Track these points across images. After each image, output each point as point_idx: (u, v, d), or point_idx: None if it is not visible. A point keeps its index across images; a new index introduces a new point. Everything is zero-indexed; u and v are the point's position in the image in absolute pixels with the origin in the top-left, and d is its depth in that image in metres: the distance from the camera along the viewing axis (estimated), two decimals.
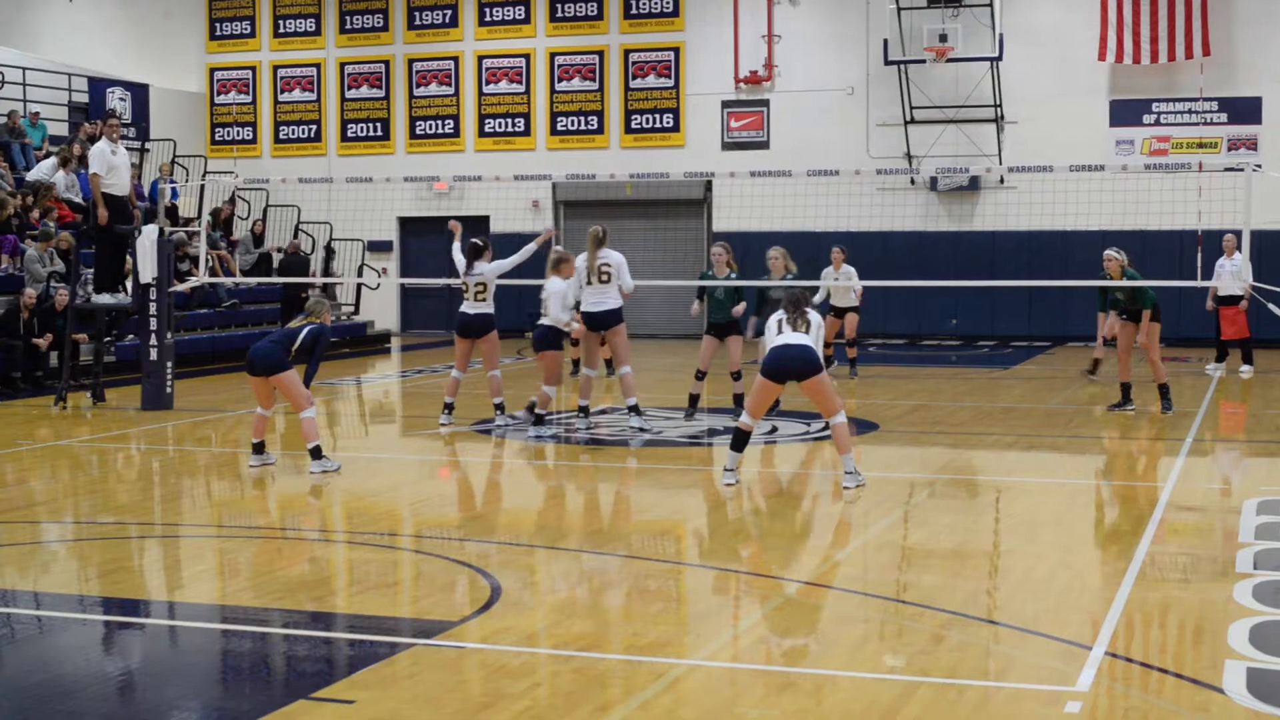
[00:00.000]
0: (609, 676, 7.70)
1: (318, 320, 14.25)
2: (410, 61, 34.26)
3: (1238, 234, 19.69)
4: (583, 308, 16.86)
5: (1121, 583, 9.54)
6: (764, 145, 31.60)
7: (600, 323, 16.74)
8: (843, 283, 22.42)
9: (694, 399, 17.83)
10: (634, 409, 16.91)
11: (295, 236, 31.77)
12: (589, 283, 16.81)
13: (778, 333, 13.06)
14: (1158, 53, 28.96)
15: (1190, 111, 29.35)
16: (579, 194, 32.52)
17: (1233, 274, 22.19)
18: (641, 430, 16.69)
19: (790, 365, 12.90)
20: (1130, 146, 29.61)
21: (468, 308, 17.31)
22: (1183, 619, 8.91)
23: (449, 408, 17.37)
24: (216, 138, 35.66)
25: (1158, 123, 29.61)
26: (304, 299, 20.38)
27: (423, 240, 33.30)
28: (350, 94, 34.72)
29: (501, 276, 17.44)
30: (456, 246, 18.01)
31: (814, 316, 13.24)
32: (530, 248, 17.67)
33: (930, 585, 9.74)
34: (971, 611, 8.95)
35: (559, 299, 16.43)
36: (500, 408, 17.40)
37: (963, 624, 8.62)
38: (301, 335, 14.05)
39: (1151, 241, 27.96)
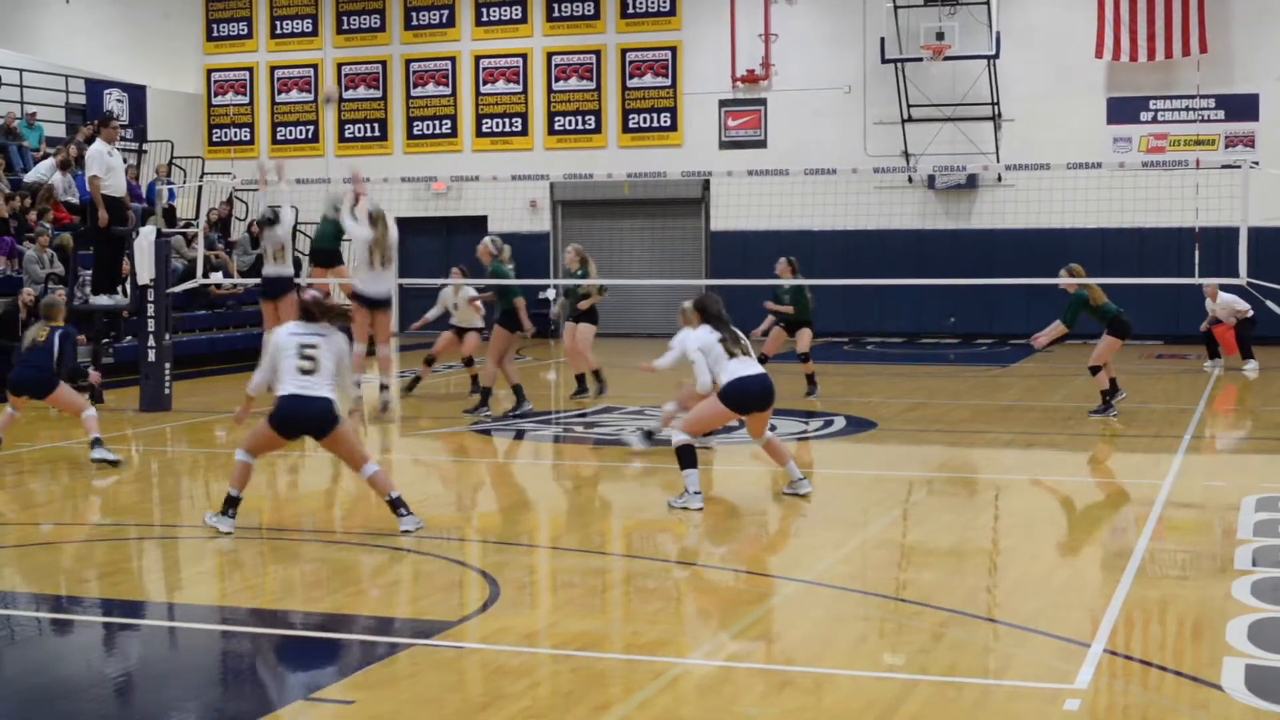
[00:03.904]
0: (608, 676, 7.70)
1: (58, 323, 14.92)
2: (407, 62, 34.25)
3: (1217, 286, 20.67)
4: (361, 289, 18.14)
5: (1120, 580, 9.54)
6: (761, 144, 31.59)
7: (377, 303, 18.05)
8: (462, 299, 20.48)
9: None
10: (385, 387, 18.28)
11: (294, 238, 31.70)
12: (372, 265, 18.06)
13: (727, 357, 12.09)
14: (1155, 50, 28.97)
15: (1187, 109, 29.37)
16: (577, 194, 32.53)
17: (1224, 307, 22.68)
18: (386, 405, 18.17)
19: (758, 399, 12.21)
20: (1128, 144, 29.62)
21: (267, 269, 18.99)
22: (1181, 616, 8.92)
23: None
24: (214, 139, 35.65)
25: (1155, 120, 29.62)
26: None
27: (420, 240, 33.31)
28: (347, 94, 34.71)
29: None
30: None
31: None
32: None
33: (929, 583, 9.75)
34: (970, 609, 8.96)
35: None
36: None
37: (962, 622, 8.62)
38: (55, 348, 14.72)
39: (1149, 239, 27.99)
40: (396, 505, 11.21)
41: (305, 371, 10.98)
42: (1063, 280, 18.02)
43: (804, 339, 19.75)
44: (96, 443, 14.62)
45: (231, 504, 11.28)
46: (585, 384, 19.83)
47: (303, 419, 11.02)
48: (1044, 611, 8.78)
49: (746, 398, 12.11)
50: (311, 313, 11.21)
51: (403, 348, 30.44)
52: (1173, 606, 9.15)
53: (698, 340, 12.19)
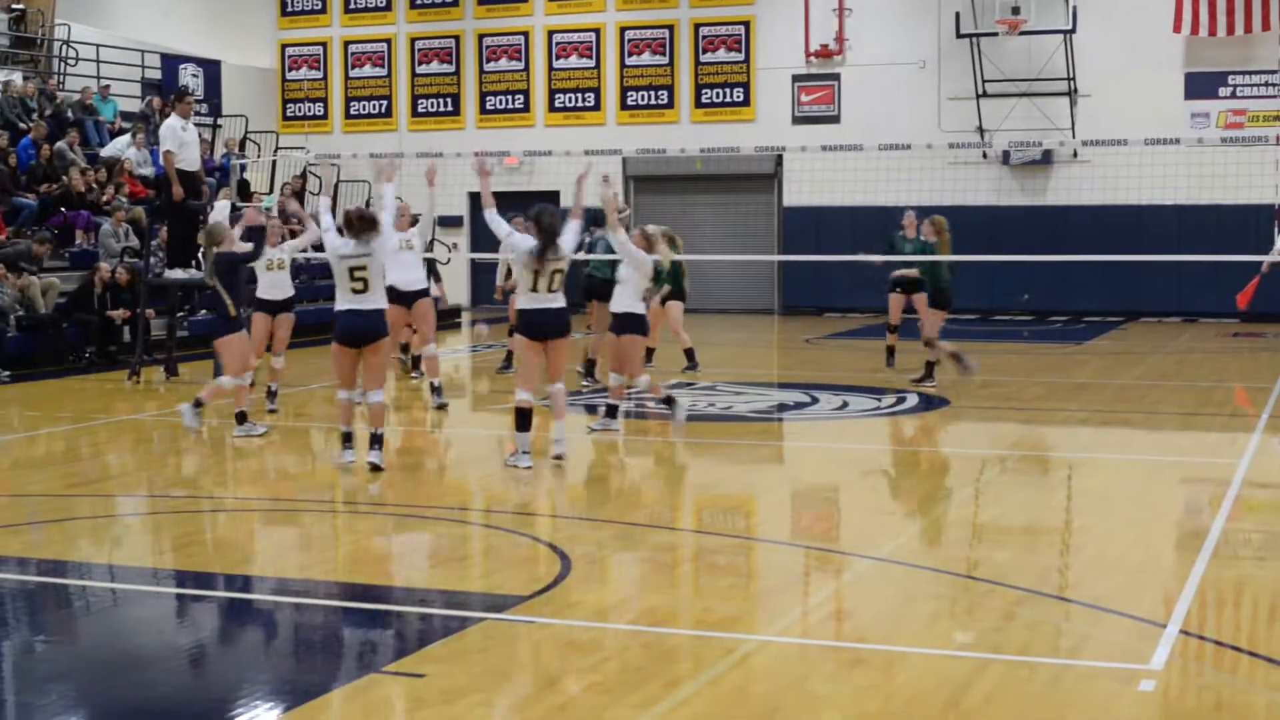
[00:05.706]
0: (678, 652, 7.69)
1: (216, 248, 14.77)
2: (480, 37, 34.27)
3: None
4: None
5: (1196, 560, 9.43)
6: (835, 119, 31.40)
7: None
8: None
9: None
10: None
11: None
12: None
13: (530, 284, 12.68)
14: (1234, 24, 28.57)
15: (1267, 84, 28.96)
16: (649, 169, 32.45)
17: None
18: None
19: (545, 329, 12.72)
20: (1205, 120, 29.26)
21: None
22: (1258, 597, 8.82)
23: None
24: (288, 113, 35.81)
25: (1234, 95, 29.22)
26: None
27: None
28: (421, 69, 34.77)
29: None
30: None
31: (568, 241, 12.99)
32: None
33: (1002, 562, 9.68)
34: (1044, 589, 8.89)
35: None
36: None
37: (1035, 601, 8.56)
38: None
39: (1227, 215, 27.65)
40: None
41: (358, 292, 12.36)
42: (924, 228, 17.88)
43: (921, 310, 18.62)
44: (198, 404, 14.49)
45: (346, 439, 12.73)
46: (693, 358, 19.77)
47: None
48: (1118, 592, 8.71)
49: (530, 330, 12.69)
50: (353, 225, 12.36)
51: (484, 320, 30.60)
52: (1249, 588, 9.05)
53: (518, 244, 12.89)
